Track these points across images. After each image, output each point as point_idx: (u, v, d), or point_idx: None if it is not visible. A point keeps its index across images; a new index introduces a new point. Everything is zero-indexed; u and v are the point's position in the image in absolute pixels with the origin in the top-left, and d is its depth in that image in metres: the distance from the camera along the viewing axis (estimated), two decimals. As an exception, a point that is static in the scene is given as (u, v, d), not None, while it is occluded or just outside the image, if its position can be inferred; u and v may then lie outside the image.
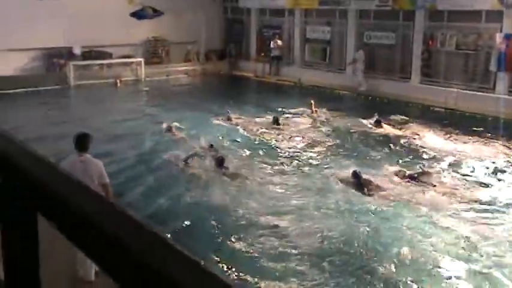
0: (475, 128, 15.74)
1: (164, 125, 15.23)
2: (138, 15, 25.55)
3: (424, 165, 11.90)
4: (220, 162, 11.31)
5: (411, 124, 16.17)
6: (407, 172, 11.15)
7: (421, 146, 14.09)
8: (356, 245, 8.24)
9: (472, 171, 11.99)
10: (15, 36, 22.14)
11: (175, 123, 15.41)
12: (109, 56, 25.21)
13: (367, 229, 8.73)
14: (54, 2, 23.06)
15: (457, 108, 18.27)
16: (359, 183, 10.35)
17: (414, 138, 14.77)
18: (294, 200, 10.02)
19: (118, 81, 23.62)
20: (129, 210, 1.01)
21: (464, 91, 18.87)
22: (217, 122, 16.40)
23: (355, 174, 10.65)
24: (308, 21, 25.39)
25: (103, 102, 20.60)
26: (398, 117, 16.59)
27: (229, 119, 16.38)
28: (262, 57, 26.22)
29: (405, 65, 21.31)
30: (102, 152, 10.44)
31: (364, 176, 10.66)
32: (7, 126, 12.08)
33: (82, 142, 6.72)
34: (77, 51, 24.32)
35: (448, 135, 15.13)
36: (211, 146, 12.98)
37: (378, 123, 15.83)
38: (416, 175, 10.91)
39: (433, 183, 10.61)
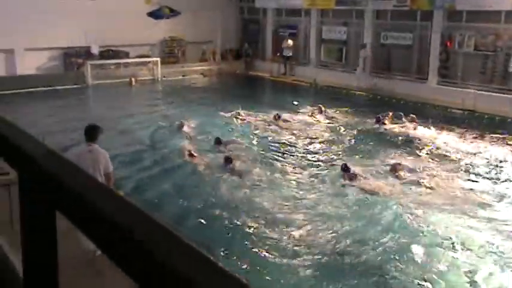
0: (493, 130, 15.64)
1: (178, 123, 15.52)
2: (155, 15, 25.56)
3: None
4: (227, 160, 11.59)
5: (426, 125, 16.01)
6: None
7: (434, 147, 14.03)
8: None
9: (487, 173, 11.89)
10: (33, 35, 22.41)
11: (186, 121, 15.66)
12: (126, 55, 25.36)
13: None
14: (73, 1, 23.30)
15: (475, 110, 18.15)
16: (348, 175, 10.86)
17: (428, 140, 14.63)
18: (302, 197, 10.21)
19: (133, 80, 23.72)
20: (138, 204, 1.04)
21: (483, 92, 18.70)
22: (228, 119, 16.62)
23: (345, 167, 11.12)
24: (324, 21, 25.37)
25: (120, 101, 20.82)
26: (413, 118, 16.53)
27: (239, 115, 16.71)
28: (278, 58, 26.26)
29: (422, 65, 21.18)
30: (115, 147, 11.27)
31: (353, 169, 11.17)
32: (25, 123, 12.05)
33: (91, 133, 7.15)
34: (95, 50, 24.52)
35: (465, 137, 14.99)
36: (219, 141, 13.21)
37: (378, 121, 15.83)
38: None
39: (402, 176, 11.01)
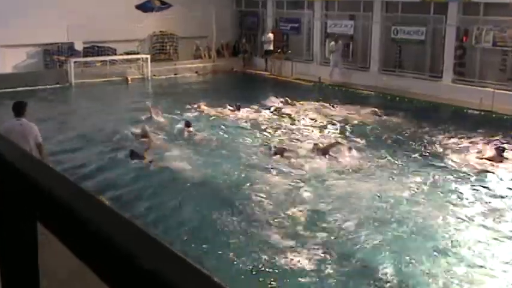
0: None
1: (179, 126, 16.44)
2: (144, 7, 25.78)
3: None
4: (187, 124, 15.43)
5: (441, 128, 16.18)
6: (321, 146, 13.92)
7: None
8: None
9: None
10: (11, 31, 22.36)
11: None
12: (113, 52, 25.51)
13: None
14: (53, -7, 23.39)
15: (494, 110, 18.10)
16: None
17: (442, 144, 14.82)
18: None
19: (129, 78, 23.87)
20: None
21: (502, 91, 18.60)
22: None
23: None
24: (329, 14, 25.30)
25: (106, 102, 20.85)
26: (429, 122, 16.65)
27: (237, 109, 18.30)
28: (279, 54, 26.23)
29: (436, 62, 21.22)
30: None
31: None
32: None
33: (19, 109, 8.60)
34: (78, 47, 24.64)
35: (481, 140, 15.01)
36: (189, 124, 15.68)
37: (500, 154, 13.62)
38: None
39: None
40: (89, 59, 24.53)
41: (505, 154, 13.41)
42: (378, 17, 22.86)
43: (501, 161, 13.07)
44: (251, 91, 22.48)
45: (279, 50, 26.36)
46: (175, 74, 26.06)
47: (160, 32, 26.97)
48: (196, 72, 26.65)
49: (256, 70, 27.13)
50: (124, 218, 1.05)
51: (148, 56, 25.14)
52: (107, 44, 25.36)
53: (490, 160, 13.10)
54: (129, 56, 25.33)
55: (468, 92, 19.36)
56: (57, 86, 22.99)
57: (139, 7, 25.69)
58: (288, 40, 27.20)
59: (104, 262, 0.99)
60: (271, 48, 26.28)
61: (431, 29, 21.28)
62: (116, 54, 25.46)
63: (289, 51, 26.30)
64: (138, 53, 25.88)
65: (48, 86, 22.66)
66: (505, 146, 14.04)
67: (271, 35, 26.33)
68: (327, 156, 13.40)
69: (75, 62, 23.58)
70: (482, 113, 18.28)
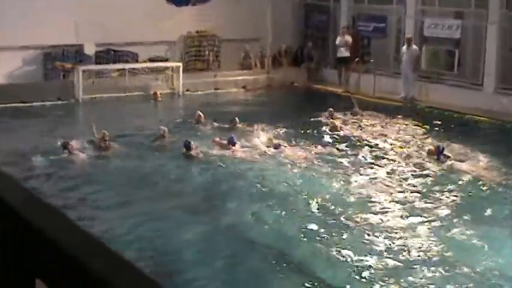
0: None
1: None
2: (177, 0, 25.56)
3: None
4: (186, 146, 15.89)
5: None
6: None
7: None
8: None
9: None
10: (2, 29, 22.24)
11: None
12: (133, 58, 25.27)
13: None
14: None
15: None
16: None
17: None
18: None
19: (158, 94, 23.47)
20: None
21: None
22: None
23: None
24: (427, 10, 24.40)
25: (127, 127, 19.93)
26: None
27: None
28: (357, 64, 25.34)
29: (475, 67, 21.95)
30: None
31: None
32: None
33: None
34: (89, 50, 24.34)
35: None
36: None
37: None
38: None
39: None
40: (102, 66, 24.24)
41: None
42: (496, 16, 21.78)
43: None
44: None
45: (357, 59, 25.43)
46: (215, 89, 25.50)
47: (197, 32, 26.57)
48: (244, 87, 25.93)
49: (325, 86, 26.34)
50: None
51: (180, 65, 24.68)
52: (126, 48, 25.11)
53: None
54: (155, 64, 24.98)
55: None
56: (59, 102, 22.45)
57: (170, 0, 25.50)
58: (370, 45, 26.57)
59: None
60: (348, 54, 25.40)
61: (469, 25, 22.41)
62: (137, 61, 25.24)
63: (371, 60, 25.35)
64: (166, 60, 25.67)
65: (47, 103, 22.12)
66: None
67: (349, 38, 25.41)
68: None
69: (84, 71, 22.99)
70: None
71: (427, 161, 15.93)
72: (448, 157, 15.79)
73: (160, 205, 12.84)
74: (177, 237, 11.52)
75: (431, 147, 15.99)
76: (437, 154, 15.61)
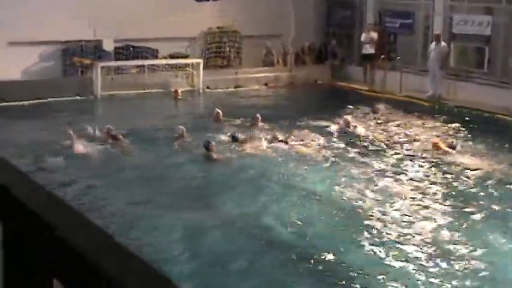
0: None
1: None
2: None
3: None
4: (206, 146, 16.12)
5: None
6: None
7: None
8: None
9: None
10: (20, 24, 22.24)
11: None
12: (153, 54, 25.28)
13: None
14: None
15: None
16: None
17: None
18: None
19: (179, 92, 23.34)
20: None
21: None
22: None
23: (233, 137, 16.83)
24: (456, 6, 24.32)
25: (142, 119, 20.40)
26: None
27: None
28: (383, 61, 25.16)
29: (504, 64, 21.87)
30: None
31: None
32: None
33: None
34: (108, 46, 24.44)
35: None
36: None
37: None
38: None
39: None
40: (121, 63, 24.47)
41: None
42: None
43: None
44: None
45: (383, 56, 25.27)
46: (236, 87, 25.44)
47: (218, 28, 26.54)
48: (266, 84, 25.94)
49: (350, 83, 26.17)
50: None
51: (201, 61, 24.69)
52: (146, 44, 25.11)
53: None
54: (175, 61, 25.15)
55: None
56: (77, 98, 22.62)
57: (191, -6, 25.85)
58: (396, 42, 26.47)
59: None
60: (373, 51, 25.27)
61: (500, 21, 22.31)
62: (157, 57, 25.34)
63: (398, 58, 25.10)
64: (187, 57, 25.65)
65: (64, 98, 22.14)
66: None
67: (374, 34, 25.27)
68: None
69: (102, 68, 23.13)
70: None
71: (442, 158, 15.93)
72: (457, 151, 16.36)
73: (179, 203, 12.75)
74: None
75: (438, 141, 16.40)
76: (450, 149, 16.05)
